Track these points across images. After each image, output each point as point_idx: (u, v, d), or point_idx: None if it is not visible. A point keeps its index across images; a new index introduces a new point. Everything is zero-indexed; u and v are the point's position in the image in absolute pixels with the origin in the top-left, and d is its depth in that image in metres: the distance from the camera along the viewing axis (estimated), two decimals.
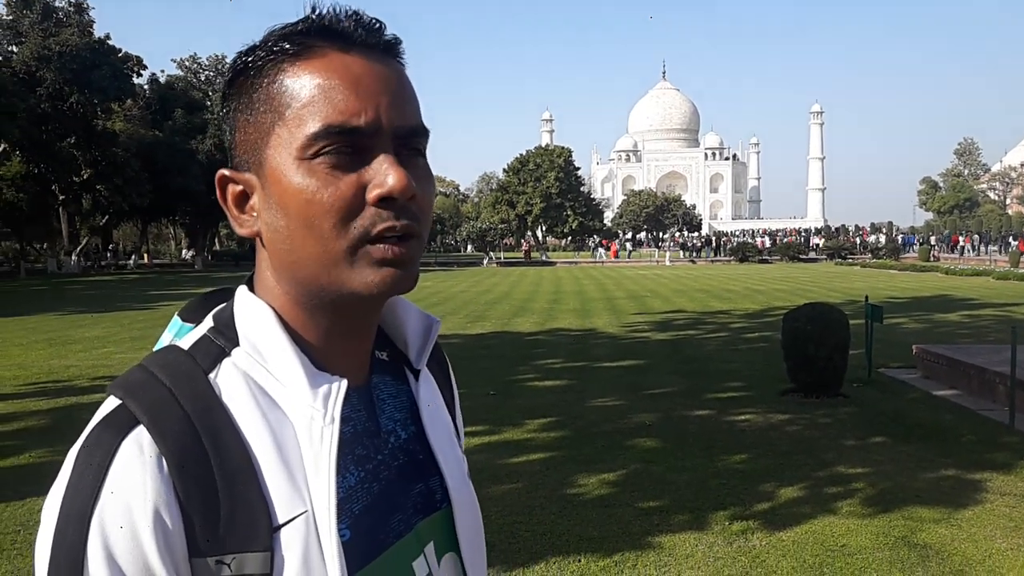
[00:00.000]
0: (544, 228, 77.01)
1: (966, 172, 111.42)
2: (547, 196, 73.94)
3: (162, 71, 54.44)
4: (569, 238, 78.16)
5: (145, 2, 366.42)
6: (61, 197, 42.87)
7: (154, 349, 0.73)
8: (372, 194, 0.65)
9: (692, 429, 6.96)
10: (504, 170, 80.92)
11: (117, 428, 0.63)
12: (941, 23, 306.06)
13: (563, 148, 79.71)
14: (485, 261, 53.09)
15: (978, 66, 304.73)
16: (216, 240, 60.81)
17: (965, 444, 6.43)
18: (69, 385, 9.19)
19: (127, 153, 42.17)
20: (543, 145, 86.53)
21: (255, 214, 0.70)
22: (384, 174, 0.65)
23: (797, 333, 7.98)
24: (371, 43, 0.69)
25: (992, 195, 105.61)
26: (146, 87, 50.16)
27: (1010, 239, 55.48)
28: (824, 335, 7.83)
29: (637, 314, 17.73)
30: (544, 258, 56.79)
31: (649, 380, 9.37)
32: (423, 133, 0.70)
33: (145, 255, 53.16)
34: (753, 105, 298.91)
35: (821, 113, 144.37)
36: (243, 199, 0.71)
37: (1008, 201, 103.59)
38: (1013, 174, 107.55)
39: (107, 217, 47.70)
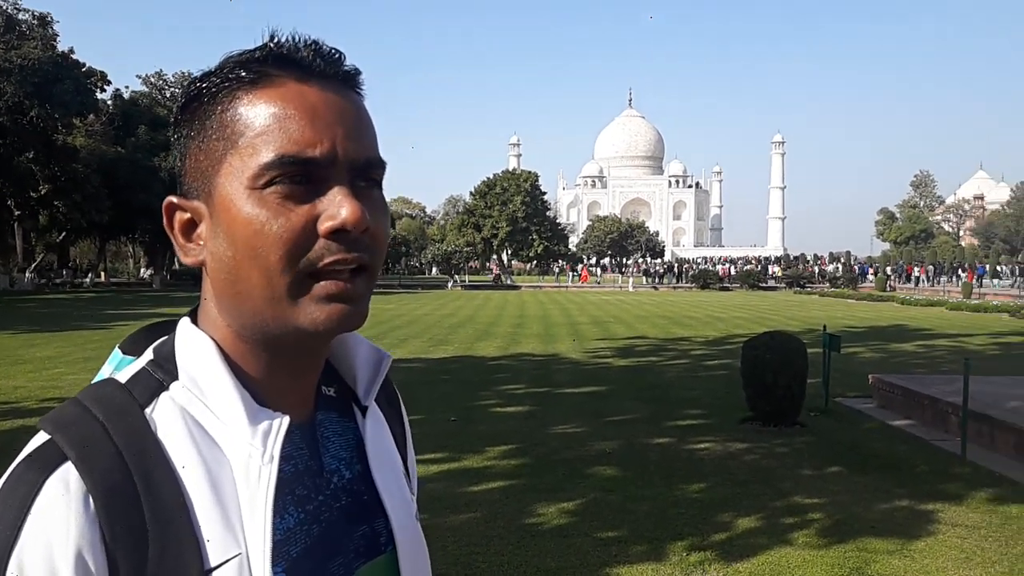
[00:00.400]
0: (510, 252, 77.10)
1: (922, 204, 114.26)
2: (513, 220, 74.13)
3: (126, 87, 53.51)
4: (534, 262, 78.41)
5: (111, 18, 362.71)
6: (17, 213, 41.95)
7: (92, 382, 0.71)
8: (324, 226, 0.64)
9: (652, 457, 6.97)
10: (471, 193, 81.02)
11: (43, 464, 0.61)
12: (899, 58, 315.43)
13: (530, 172, 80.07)
14: (450, 284, 53.02)
15: (934, 100, 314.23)
16: (176, 260, 59.92)
17: (919, 475, 6.53)
18: (16, 407, 8.92)
19: (87, 169, 41.41)
20: (510, 169, 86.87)
21: (202, 243, 0.68)
22: (338, 206, 0.64)
23: (756, 361, 8.06)
24: (329, 73, 0.68)
25: (946, 227, 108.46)
26: (109, 103, 49.44)
27: (959, 270, 56.94)
28: (783, 364, 7.92)
29: (600, 340, 17.80)
30: (509, 282, 56.88)
31: (611, 407, 9.38)
32: (379, 165, 0.69)
33: (102, 273, 52.11)
34: (716, 134, 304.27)
35: (782, 143, 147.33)
36: (190, 227, 0.69)
37: (961, 233, 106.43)
38: (966, 206, 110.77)
39: (64, 234, 46.74)
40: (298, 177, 0.64)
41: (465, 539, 4.85)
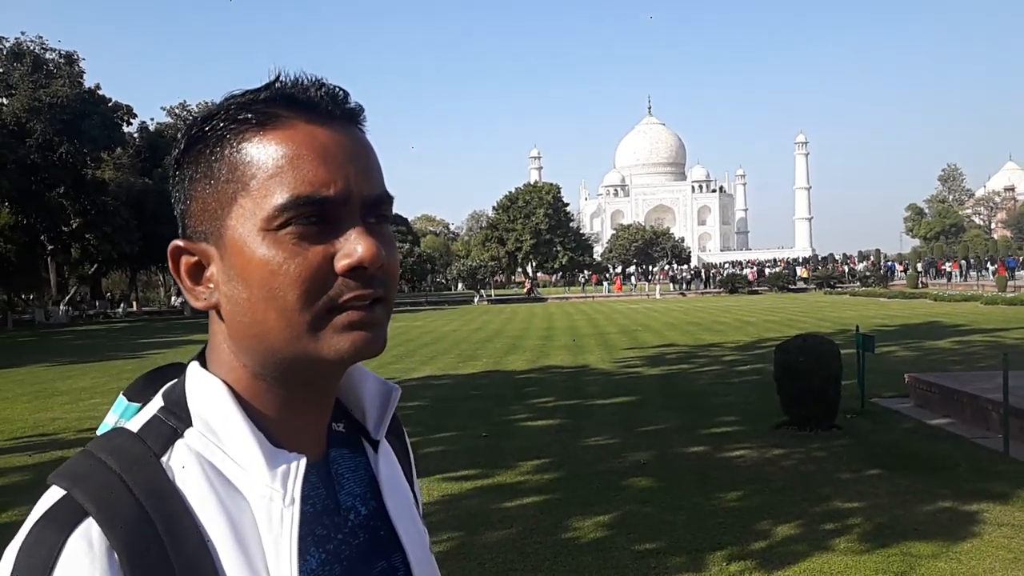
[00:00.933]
0: (534, 264, 77.16)
1: (951, 198, 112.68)
2: (537, 232, 74.26)
3: (152, 119, 54.60)
4: (559, 273, 78.37)
5: (136, 51, 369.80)
6: (50, 247, 42.77)
7: (98, 432, 0.70)
8: (341, 264, 0.64)
9: (687, 466, 6.90)
10: (493, 208, 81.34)
11: (61, 523, 0.59)
12: (922, 50, 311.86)
13: (551, 184, 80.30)
14: (476, 299, 53.10)
15: (959, 93, 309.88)
16: None
17: (961, 474, 6.39)
18: (55, 439, 9.06)
19: (116, 201, 42.21)
20: (532, 182, 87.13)
21: (211, 286, 0.68)
22: (353, 244, 0.64)
23: (788, 365, 7.96)
24: (336, 113, 0.68)
25: (977, 220, 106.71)
26: (136, 135, 50.38)
27: (987, 264, 55.83)
28: (816, 367, 7.81)
29: (629, 349, 17.71)
30: (535, 295, 56.91)
31: (643, 416, 9.32)
32: (388, 201, 0.70)
33: (134, 303, 52.89)
34: (738, 137, 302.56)
35: (806, 143, 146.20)
36: (198, 270, 0.69)
37: (993, 226, 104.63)
38: (997, 199, 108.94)
39: (96, 266, 47.55)
40: (313, 217, 0.64)
41: (502, 556, 4.83)
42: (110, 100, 43.24)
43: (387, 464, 0.79)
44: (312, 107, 0.67)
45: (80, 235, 42.38)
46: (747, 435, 8.02)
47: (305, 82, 0.68)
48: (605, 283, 64.37)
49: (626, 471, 6.79)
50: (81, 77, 42.38)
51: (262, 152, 0.65)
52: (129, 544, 0.59)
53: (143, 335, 29.32)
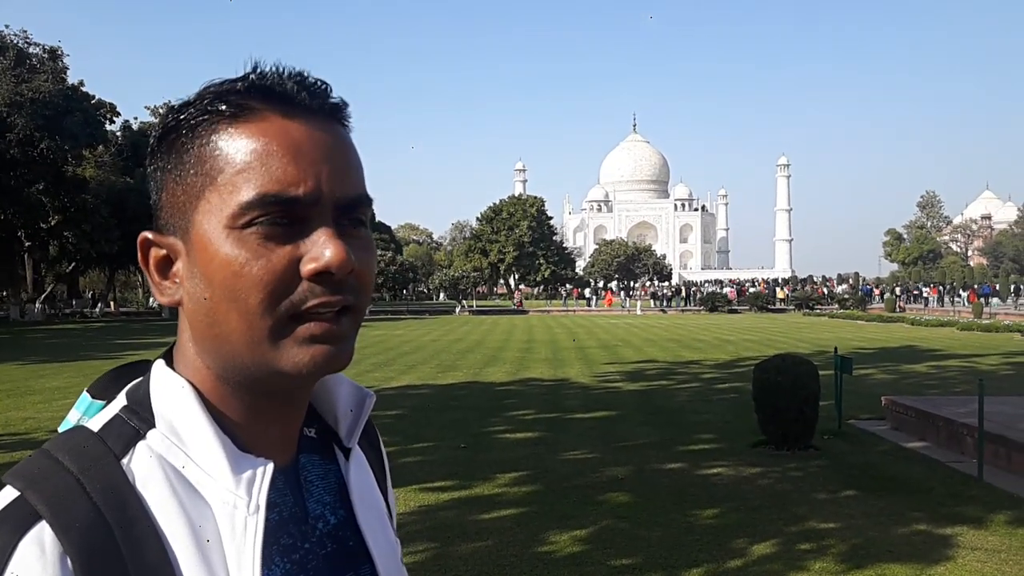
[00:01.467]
0: (517, 276, 77.30)
1: (929, 224, 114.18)
2: (520, 245, 74.49)
3: (135, 118, 54.18)
4: (542, 287, 78.55)
5: (120, 49, 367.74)
6: (27, 243, 42.26)
7: (59, 429, 0.67)
8: (307, 268, 0.61)
9: (664, 483, 6.90)
10: (477, 218, 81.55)
11: (13, 525, 0.57)
12: (903, 79, 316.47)
13: (536, 197, 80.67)
14: (458, 309, 53.03)
15: (939, 121, 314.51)
16: None
17: (935, 497, 6.44)
18: (26, 438, 8.92)
19: (97, 200, 41.74)
20: (516, 194, 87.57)
21: (178, 282, 0.66)
22: (321, 247, 0.61)
23: (767, 385, 8.01)
24: (315, 107, 0.65)
25: (954, 247, 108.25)
26: (119, 134, 49.96)
27: (960, 291, 56.70)
28: (794, 387, 7.86)
29: (609, 363, 17.74)
30: (514, 307, 56.96)
31: (621, 431, 9.32)
32: (366, 203, 0.66)
33: (112, 303, 52.32)
34: (721, 157, 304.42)
35: (788, 165, 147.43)
36: (166, 264, 0.66)
37: (970, 253, 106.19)
38: (974, 226, 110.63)
39: (74, 264, 47.02)
40: (280, 217, 0.61)
41: (477, 568, 4.79)
42: (93, 97, 42.89)
43: (359, 472, 0.77)
44: (289, 100, 0.64)
45: (58, 232, 41.89)
46: (724, 453, 8.04)
47: (284, 74, 0.65)
48: (594, 297, 63.74)
49: (603, 486, 6.78)
50: (64, 73, 41.98)
51: (232, 145, 0.62)
52: (83, 549, 0.57)
53: (119, 335, 28.97)
